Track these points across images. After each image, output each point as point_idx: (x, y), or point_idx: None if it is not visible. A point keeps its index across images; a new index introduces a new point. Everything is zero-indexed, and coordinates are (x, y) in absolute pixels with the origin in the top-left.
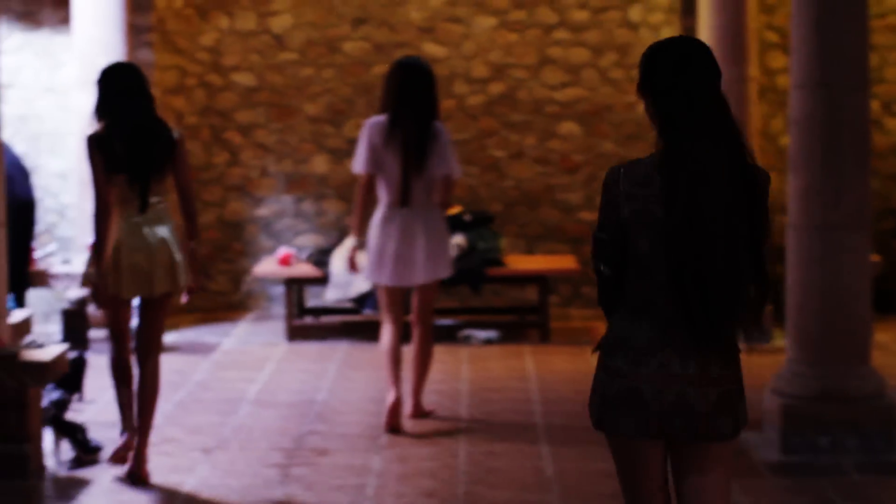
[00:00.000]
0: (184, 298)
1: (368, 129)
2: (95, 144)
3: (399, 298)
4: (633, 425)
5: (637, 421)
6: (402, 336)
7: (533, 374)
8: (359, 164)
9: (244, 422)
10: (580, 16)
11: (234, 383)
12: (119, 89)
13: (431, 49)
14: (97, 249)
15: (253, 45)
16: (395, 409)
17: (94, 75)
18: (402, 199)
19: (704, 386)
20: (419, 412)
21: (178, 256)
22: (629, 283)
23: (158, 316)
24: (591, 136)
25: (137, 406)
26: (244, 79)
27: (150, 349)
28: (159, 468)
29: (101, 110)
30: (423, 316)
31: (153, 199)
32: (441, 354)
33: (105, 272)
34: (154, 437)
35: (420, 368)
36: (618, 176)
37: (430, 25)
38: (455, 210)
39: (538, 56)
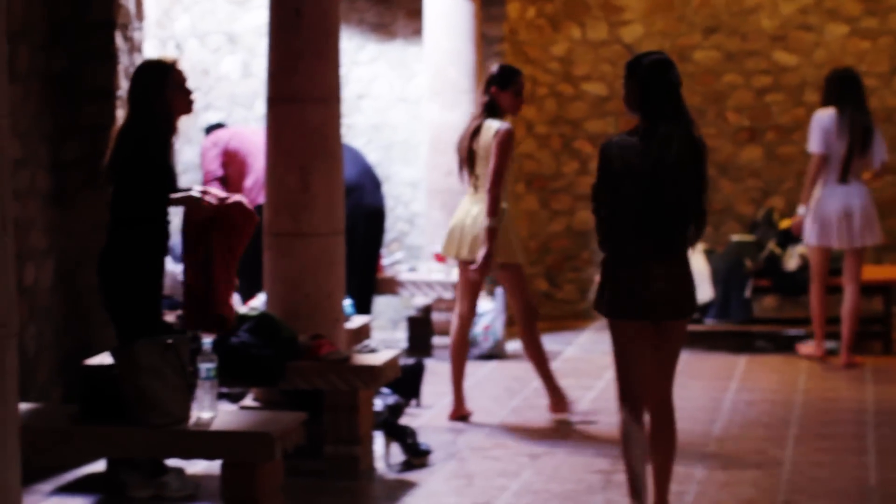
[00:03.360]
0: (474, 267)
1: (818, 119)
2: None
3: (826, 260)
4: (632, 310)
5: (634, 307)
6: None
7: (871, 385)
8: (815, 145)
9: (574, 428)
10: None
11: (570, 391)
12: None
13: (782, 57)
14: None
15: (604, 54)
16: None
17: (445, 85)
18: (842, 177)
19: (671, 281)
20: (851, 360)
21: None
22: (619, 219)
23: (474, 280)
24: None
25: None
26: (595, 88)
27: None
28: (485, 472)
29: None
30: (853, 275)
31: (478, 181)
32: (779, 364)
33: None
34: (485, 441)
35: (852, 318)
36: (611, 144)
37: (782, 34)
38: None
39: (890, 64)
